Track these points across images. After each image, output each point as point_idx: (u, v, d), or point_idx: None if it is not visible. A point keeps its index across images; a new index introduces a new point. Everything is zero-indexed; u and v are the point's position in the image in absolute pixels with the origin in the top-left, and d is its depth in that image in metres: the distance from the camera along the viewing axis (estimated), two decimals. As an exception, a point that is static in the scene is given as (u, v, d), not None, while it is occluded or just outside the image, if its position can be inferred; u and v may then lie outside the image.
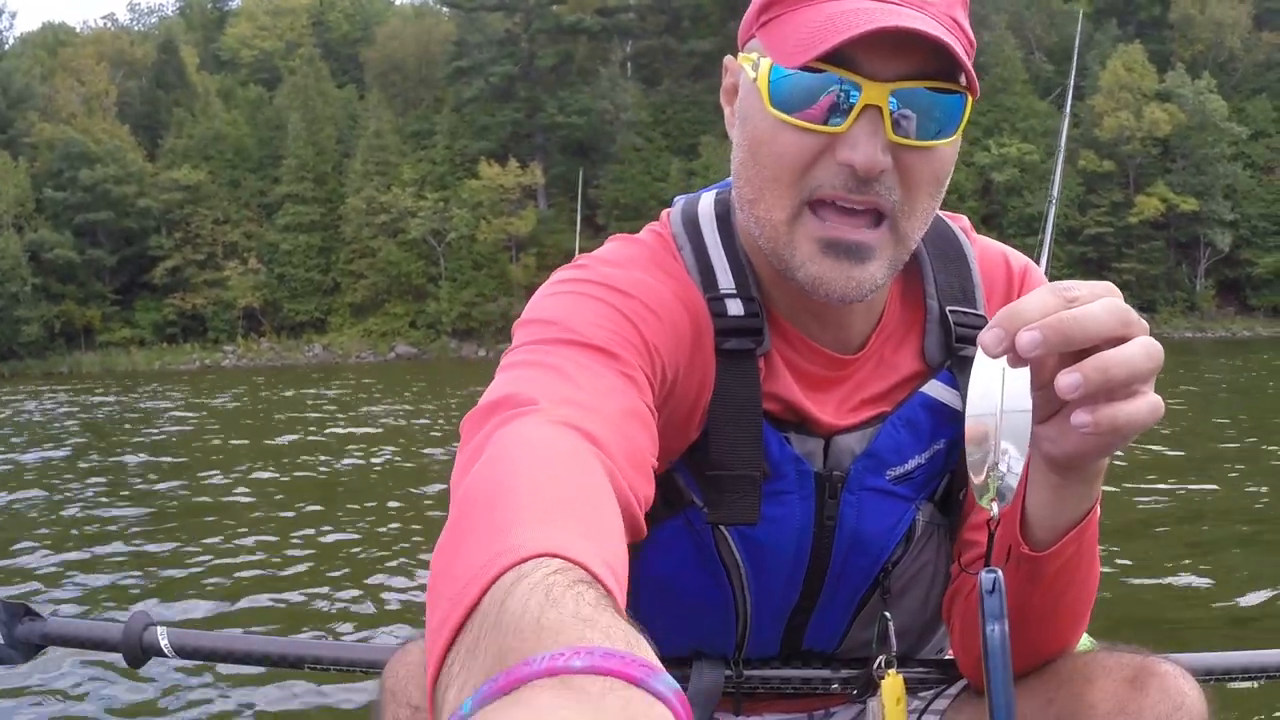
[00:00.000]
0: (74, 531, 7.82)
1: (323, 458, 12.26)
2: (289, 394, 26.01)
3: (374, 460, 11.91)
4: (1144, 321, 0.93)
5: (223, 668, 4.26)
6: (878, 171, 1.09)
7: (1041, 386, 0.95)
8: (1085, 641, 1.78)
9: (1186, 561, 6.09)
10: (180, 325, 61.73)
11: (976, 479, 0.96)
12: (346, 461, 11.83)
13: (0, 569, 6.53)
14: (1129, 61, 57.42)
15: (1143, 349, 0.90)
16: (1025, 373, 0.94)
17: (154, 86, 69.67)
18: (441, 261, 58.80)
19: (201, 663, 1.83)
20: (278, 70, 72.90)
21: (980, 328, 1.14)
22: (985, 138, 57.30)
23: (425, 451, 12.42)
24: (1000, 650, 0.97)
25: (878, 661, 1.35)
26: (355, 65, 73.28)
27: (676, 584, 1.35)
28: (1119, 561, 6.03)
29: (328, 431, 15.72)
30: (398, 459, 11.92)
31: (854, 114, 1.08)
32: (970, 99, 1.13)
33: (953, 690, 1.40)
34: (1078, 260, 56.44)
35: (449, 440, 12.17)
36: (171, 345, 60.87)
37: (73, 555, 6.89)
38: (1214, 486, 8.51)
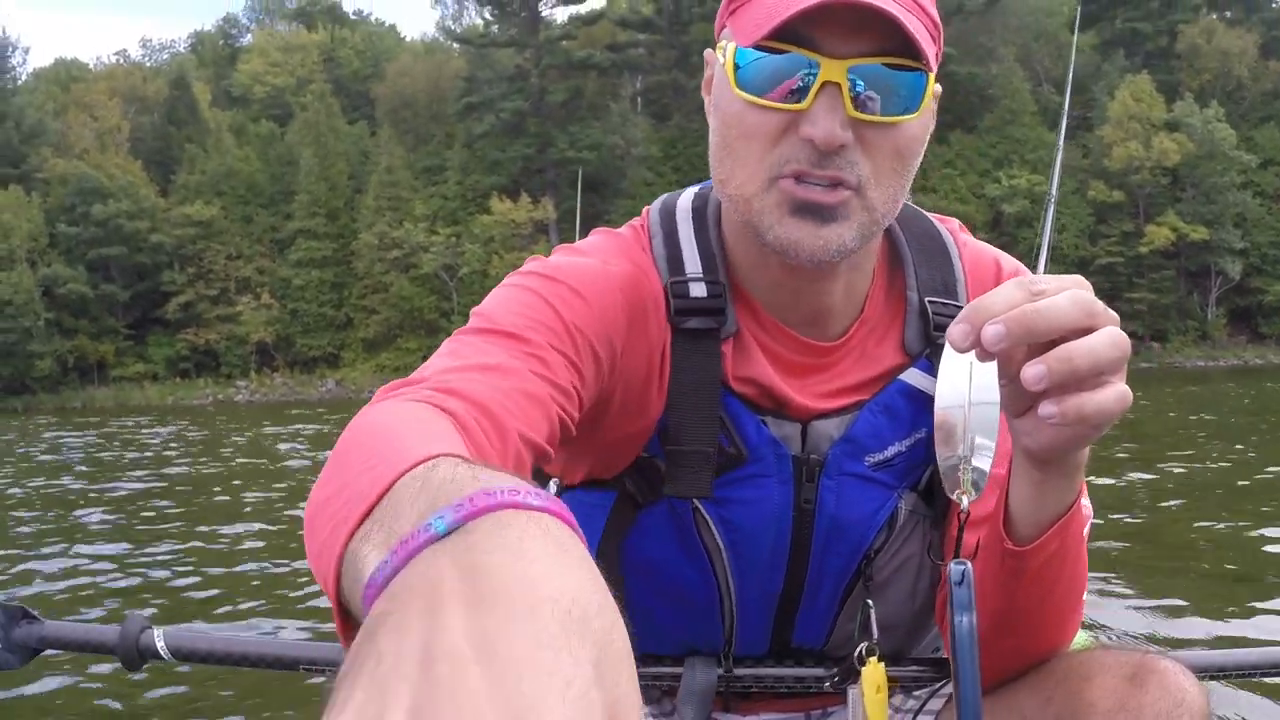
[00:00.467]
0: (75, 543, 7.91)
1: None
2: (294, 428, 26.07)
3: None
4: (1112, 313, 0.94)
5: (217, 670, 4.25)
6: (836, 145, 1.13)
7: (1011, 379, 0.96)
8: (1084, 638, 1.78)
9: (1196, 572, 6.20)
10: (193, 360, 61.98)
11: (945, 472, 0.97)
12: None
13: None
14: (1137, 92, 57.61)
15: (1108, 339, 0.92)
16: (994, 366, 0.96)
17: (166, 122, 70.24)
18: (454, 296, 58.92)
19: (196, 665, 1.91)
20: (289, 106, 73.40)
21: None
22: (995, 169, 57.49)
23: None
24: (968, 642, 0.98)
25: (859, 649, 1.35)
26: (366, 102, 73.74)
27: (663, 570, 1.37)
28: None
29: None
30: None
31: (814, 91, 1.12)
32: (931, 77, 1.15)
33: (948, 690, 1.39)
34: (1089, 290, 56.44)
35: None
36: (184, 380, 61.09)
37: (71, 563, 6.99)
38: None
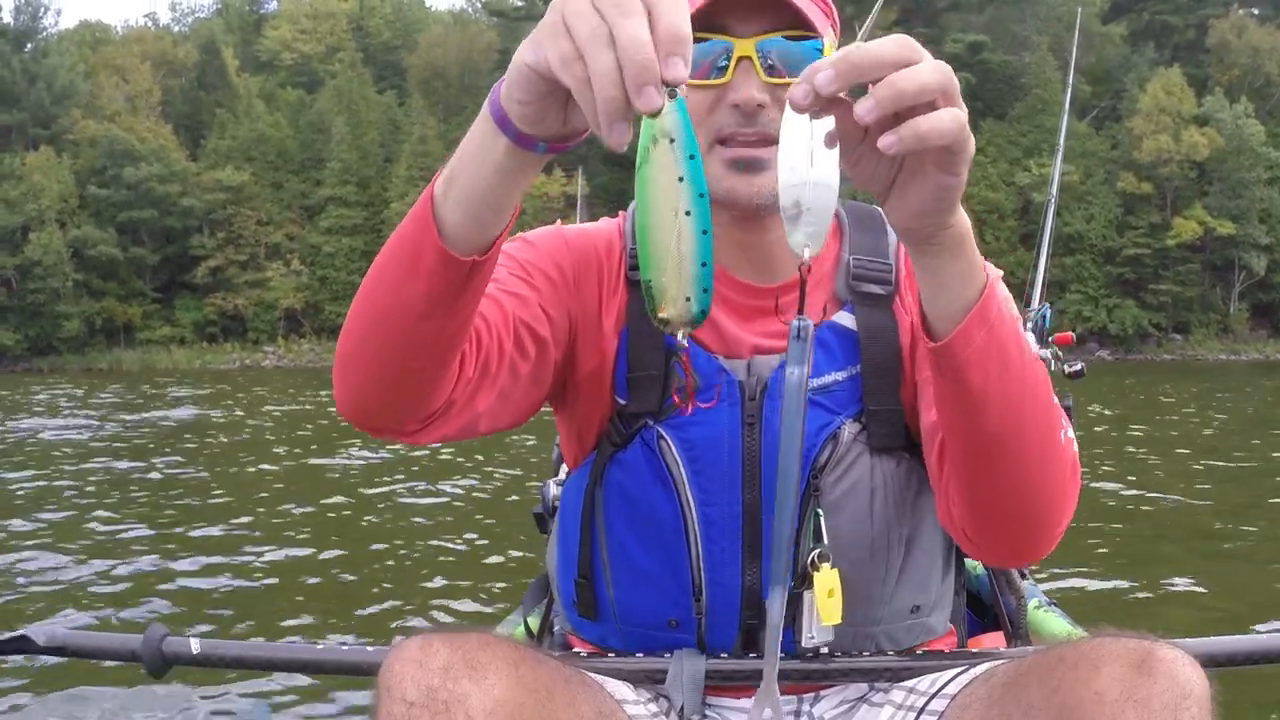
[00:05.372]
0: (88, 538, 7.65)
1: (340, 460, 12.04)
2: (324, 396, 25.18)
3: (388, 477, 11.21)
4: (931, 57, 1.01)
5: (230, 674, 4.21)
6: (755, 105, 1.39)
7: (858, 151, 1.05)
8: (1080, 631, 1.97)
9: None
10: (221, 325, 62.07)
11: (788, 223, 1.05)
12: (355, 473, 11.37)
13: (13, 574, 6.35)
14: (1168, 85, 57.88)
15: (931, 66, 0.98)
16: (835, 154, 1.04)
17: (196, 87, 70.12)
18: (485, 268, 58.86)
19: (215, 669, 1.90)
20: (316, 74, 73.34)
21: (882, 274, 1.55)
22: (1025, 158, 57.68)
23: (434, 461, 11.81)
24: (795, 391, 1.08)
25: (811, 556, 1.43)
26: (394, 71, 73.68)
27: (636, 499, 1.52)
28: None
29: (346, 447, 14.21)
30: (401, 473, 11.28)
31: (732, 65, 1.40)
32: (826, 44, 1.37)
33: (950, 690, 1.39)
34: (1115, 281, 56.83)
35: (463, 458, 11.84)
36: (212, 345, 61.20)
37: (83, 562, 6.75)
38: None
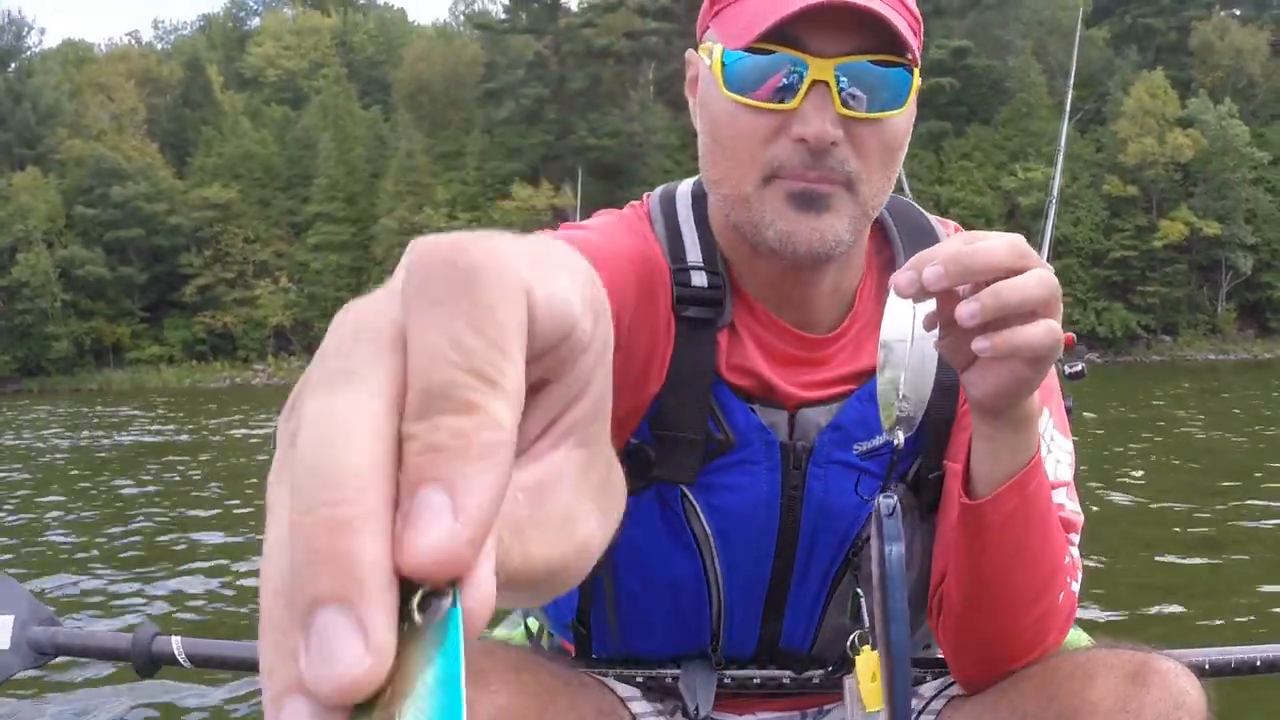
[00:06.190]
0: (86, 540, 7.67)
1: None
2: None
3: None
4: (1044, 263, 1.01)
5: (226, 674, 4.13)
6: (828, 143, 1.15)
7: (952, 331, 1.04)
8: (1084, 638, 1.95)
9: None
10: (210, 344, 61.92)
11: (883, 410, 1.05)
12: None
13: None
14: (1152, 88, 58.11)
15: (1036, 278, 0.99)
16: (931, 306, 1.04)
17: (181, 104, 70.06)
18: (474, 282, 58.84)
19: (208, 670, 2.01)
20: (301, 90, 73.38)
21: None
22: (1011, 162, 57.85)
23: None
24: (897, 570, 1.06)
25: (851, 638, 1.36)
26: (378, 87, 73.69)
27: (652, 561, 1.36)
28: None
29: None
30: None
31: (803, 90, 1.15)
32: (916, 71, 1.20)
33: (950, 692, 1.38)
34: (1102, 283, 56.95)
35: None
36: (201, 363, 61.01)
37: (84, 563, 6.76)
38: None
